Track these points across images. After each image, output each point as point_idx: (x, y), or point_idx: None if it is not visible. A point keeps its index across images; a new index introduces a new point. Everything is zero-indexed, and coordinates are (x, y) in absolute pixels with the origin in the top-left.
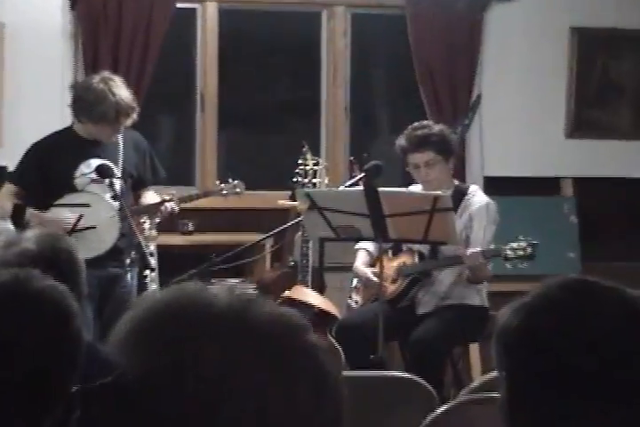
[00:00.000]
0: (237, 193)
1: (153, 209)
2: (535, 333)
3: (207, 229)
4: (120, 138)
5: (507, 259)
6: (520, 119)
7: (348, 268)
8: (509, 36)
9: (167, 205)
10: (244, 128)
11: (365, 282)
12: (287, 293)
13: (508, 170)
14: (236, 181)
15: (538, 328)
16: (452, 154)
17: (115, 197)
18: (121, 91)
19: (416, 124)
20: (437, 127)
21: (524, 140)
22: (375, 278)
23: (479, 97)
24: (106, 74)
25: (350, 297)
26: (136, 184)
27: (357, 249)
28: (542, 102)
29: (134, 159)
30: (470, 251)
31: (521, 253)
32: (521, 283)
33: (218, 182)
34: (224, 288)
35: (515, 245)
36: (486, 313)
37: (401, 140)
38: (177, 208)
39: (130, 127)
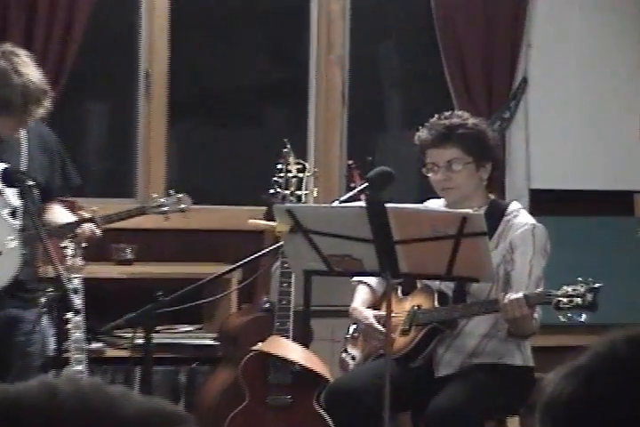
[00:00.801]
0: (181, 210)
1: (66, 232)
2: (595, 403)
3: (152, 257)
4: (23, 134)
5: (559, 308)
6: (579, 115)
7: (342, 312)
8: (565, 5)
9: (85, 226)
10: (204, 120)
11: (366, 331)
12: (260, 345)
13: (563, 182)
14: (180, 195)
15: (599, 397)
16: (489, 158)
17: (13, 214)
18: (29, 69)
19: (447, 113)
20: (473, 120)
21: (584, 142)
22: (379, 326)
23: (524, 82)
24: (8, 47)
25: (345, 351)
26: (41, 195)
27: (357, 283)
28: (610, 93)
29: (40, 161)
30: (509, 297)
31: (578, 301)
32: (577, 335)
33: (155, 196)
34: (64, 379)
35: (569, 289)
36: (530, 375)
37: (422, 132)
38: (99, 231)
39: (40, 119)
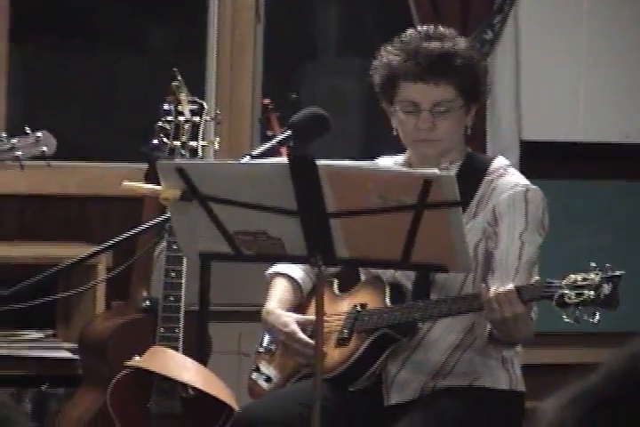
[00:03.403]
0: (42, 155)
1: None
2: None
3: None
4: None
5: (564, 304)
6: (593, 34)
7: (253, 314)
8: None
9: None
10: (60, 40)
11: (286, 342)
12: (137, 359)
13: (568, 131)
14: (38, 133)
15: None
16: (479, 99)
17: None
18: None
19: (424, 27)
20: (463, 42)
21: (598, 75)
22: (305, 337)
23: None
24: None
25: (257, 370)
26: None
27: (271, 276)
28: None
29: None
30: (496, 289)
31: (591, 294)
32: (584, 349)
33: (4, 135)
34: None
35: (579, 278)
36: (519, 404)
37: (392, 55)
38: None
39: None
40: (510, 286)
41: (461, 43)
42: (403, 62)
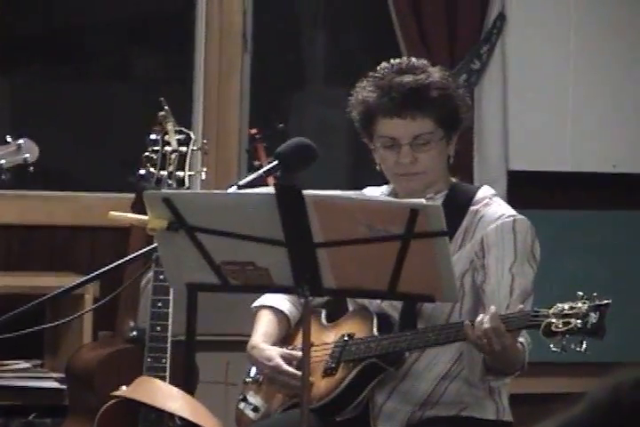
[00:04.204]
0: (25, 163)
1: None
2: None
3: None
4: None
5: (550, 333)
6: (580, 64)
7: (240, 344)
8: None
9: None
10: (46, 69)
11: (272, 376)
12: (124, 389)
13: (555, 161)
14: (20, 140)
15: None
16: (459, 128)
17: None
18: None
19: (396, 61)
20: (436, 72)
21: (587, 105)
22: (290, 369)
23: (501, 19)
24: None
25: (244, 400)
26: None
27: (257, 309)
28: (625, 32)
29: None
30: (482, 324)
31: (578, 323)
32: (570, 378)
33: None
34: None
35: (566, 307)
36: None
37: (369, 91)
38: None
39: None
40: (497, 317)
41: (435, 73)
42: (378, 99)
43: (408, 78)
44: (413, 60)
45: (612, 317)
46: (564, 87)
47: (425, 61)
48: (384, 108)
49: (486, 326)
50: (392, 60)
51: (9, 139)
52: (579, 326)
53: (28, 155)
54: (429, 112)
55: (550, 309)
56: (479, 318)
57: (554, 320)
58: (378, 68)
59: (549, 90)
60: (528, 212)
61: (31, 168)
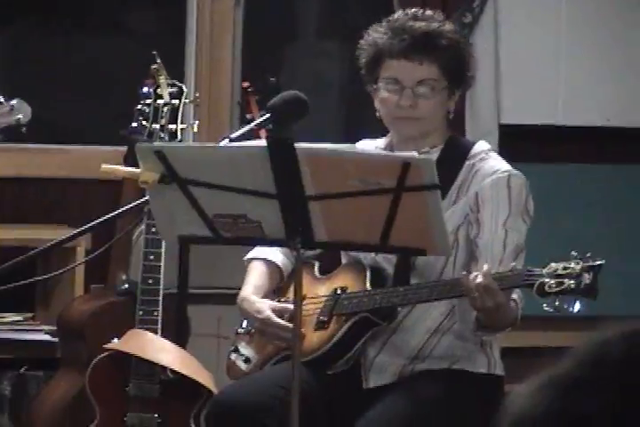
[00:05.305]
0: (18, 124)
1: None
2: (577, 423)
3: None
4: None
5: (544, 293)
6: (575, 16)
7: (232, 296)
8: None
9: None
10: (38, 23)
11: (262, 329)
12: (116, 342)
13: (548, 114)
14: (13, 101)
15: (582, 416)
16: (462, 84)
17: None
18: None
19: (413, 9)
20: (449, 25)
21: (582, 57)
22: (281, 321)
23: None
24: None
25: (236, 351)
26: None
27: (248, 261)
28: None
29: None
30: (475, 280)
31: (571, 283)
32: (563, 332)
33: None
34: None
35: (559, 267)
36: (497, 388)
37: (378, 33)
38: None
39: None
40: (490, 275)
41: (448, 25)
42: (388, 40)
43: (421, 24)
44: (429, 11)
45: (606, 272)
46: (557, 41)
47: (440, 14)
48: (393, 50)
49: (477, 282)
50: (409, 9)
51: (1, 99)
52: (572, 286)
53: (20, 116)
54: (437, 59)
55: (544, 268)
56: (472, 276)
57: (547, 280)
58: (394, 15)
59: (542, 44)
60: (520, 165)
61: (24, 129)
